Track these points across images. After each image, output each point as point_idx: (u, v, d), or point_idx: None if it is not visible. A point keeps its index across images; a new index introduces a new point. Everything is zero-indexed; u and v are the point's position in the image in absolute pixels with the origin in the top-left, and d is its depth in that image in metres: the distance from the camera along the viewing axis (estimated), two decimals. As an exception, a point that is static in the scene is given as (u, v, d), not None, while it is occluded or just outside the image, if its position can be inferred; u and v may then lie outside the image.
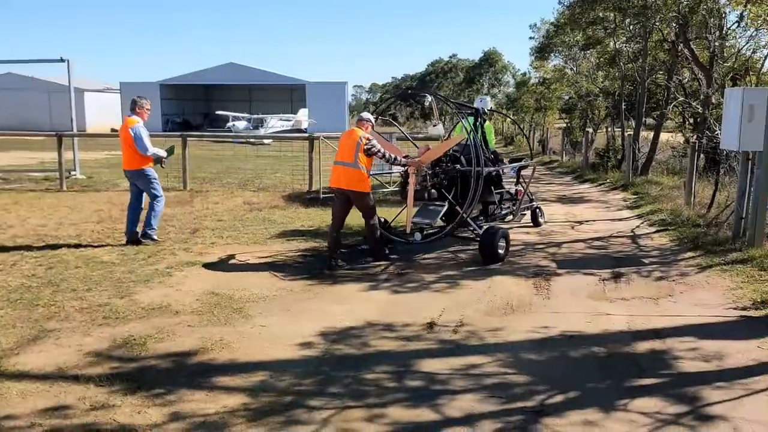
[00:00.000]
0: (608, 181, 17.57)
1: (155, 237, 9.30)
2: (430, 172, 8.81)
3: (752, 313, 6.20)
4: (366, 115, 8.74)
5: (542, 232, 10.61)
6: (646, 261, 8.47)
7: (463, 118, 9.98)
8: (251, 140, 32.09)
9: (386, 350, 5.33)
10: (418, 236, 8.99)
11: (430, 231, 9.39)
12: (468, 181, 8.73)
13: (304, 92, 59.53)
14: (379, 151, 8.31)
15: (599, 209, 13.25)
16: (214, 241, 9.54)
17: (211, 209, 12.71)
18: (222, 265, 8.19)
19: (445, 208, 8.87)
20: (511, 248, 9.17)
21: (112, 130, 58.95)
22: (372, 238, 8.60)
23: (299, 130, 49.51)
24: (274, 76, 61.45)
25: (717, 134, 13.43)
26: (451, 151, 9.08)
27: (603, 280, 7.53)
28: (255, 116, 46.76)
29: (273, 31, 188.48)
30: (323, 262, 8.32)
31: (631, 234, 10.43)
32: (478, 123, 10.01)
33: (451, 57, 68.25)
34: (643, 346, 5.38)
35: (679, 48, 15.39)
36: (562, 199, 14.68)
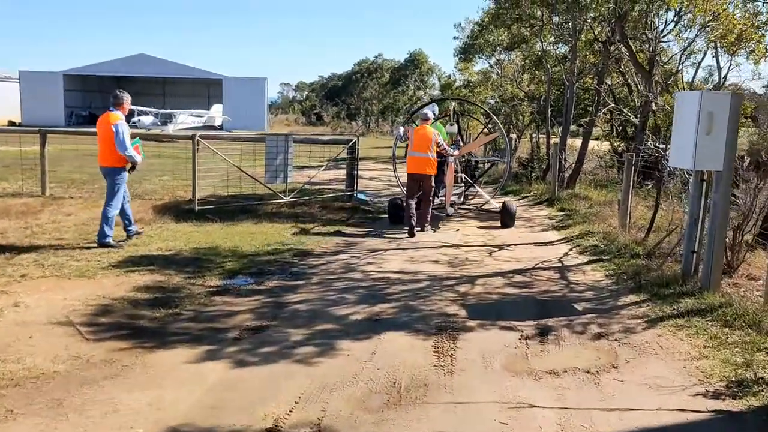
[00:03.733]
0: (532, 193, 15.97)
1: (113, 243, 8.71)
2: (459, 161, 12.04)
3: (729, 403, 4.43)
4: (429, 113, 11.13)
5: (454, 261, 8.74)
6: (579, 307, 6.68)
7: (436, 120, 12.15)
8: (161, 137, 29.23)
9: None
10: (451, 210, 11.66)
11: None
12: (467, 169, 12.94)
13: (222, 87, 56.56)
14: (442, 144, 10.90)
15: (522, 229, 11.52)
16: (26, 273, 7.22)
17: (58, 223, 10.32)
18: (9, 314, 5.89)
19: (463, 188, 12.80)
20: (412, 287, 7.31)
21: (10, 123, 54.43)
22: (426, 211, 10.78)
23: (213, 127, 46.67)
24: (189, 70, 58.17)
25: (651, 146, 11.98)
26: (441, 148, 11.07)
27: (525, 339, 5.68)
28: (163, 111, 43.62)
29: (191, 26, 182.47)
30: (160, 306, 6.21)
31: (559, 264, 8.69)
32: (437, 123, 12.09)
33: (376, 57, 66.23)
34: (586, 479, 3.51)
35: (612, 49, 13.94)
36: (480, 215, 12.91)
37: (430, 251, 9.25)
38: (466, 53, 27.59)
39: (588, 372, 4.98)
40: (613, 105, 14.99)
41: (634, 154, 10.21)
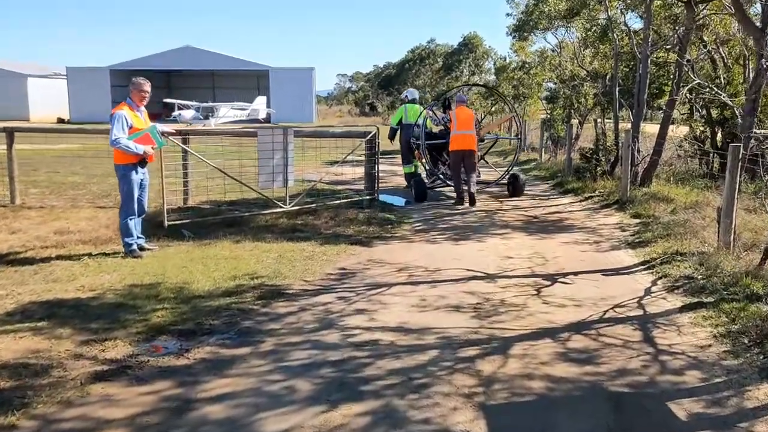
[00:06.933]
0: (597, 192, 13.02)
1: (137, 252, 7.66)
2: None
3: None
4: (465, 96, 13.46)
5: (484, 305, 6.07)
6: (679, 412, 3.98)
7: (405, 104, 14.06)
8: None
9: None
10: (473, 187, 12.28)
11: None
12: None
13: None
14: (479, 122, 13.22)
15: (584, 246, 8.71)
16: None
17: (-6, 245, 8.21)
18: None
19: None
20: (409, 362, 4.72)
21: (59, 120, 54.01)
22: (471, 185, 11.67)
23: (257, 120, 44.86)
24: (236, 61, 56.74)
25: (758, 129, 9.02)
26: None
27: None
28: (204, 105, 41.95)
29: (247, 17, 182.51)
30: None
31: (640, 312, 5.93)
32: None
33: (429, 42, 63.24)
34: None
35: (697, 10, 10.95)
36: (531, 225, 10.20)
37: (452, 288, 6.62)
38: (520, 31, 24.65)
39: None
40: (699, 82, 11.93)
41: (740, 145, 7.32)
